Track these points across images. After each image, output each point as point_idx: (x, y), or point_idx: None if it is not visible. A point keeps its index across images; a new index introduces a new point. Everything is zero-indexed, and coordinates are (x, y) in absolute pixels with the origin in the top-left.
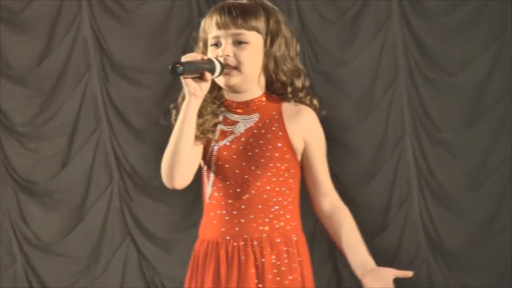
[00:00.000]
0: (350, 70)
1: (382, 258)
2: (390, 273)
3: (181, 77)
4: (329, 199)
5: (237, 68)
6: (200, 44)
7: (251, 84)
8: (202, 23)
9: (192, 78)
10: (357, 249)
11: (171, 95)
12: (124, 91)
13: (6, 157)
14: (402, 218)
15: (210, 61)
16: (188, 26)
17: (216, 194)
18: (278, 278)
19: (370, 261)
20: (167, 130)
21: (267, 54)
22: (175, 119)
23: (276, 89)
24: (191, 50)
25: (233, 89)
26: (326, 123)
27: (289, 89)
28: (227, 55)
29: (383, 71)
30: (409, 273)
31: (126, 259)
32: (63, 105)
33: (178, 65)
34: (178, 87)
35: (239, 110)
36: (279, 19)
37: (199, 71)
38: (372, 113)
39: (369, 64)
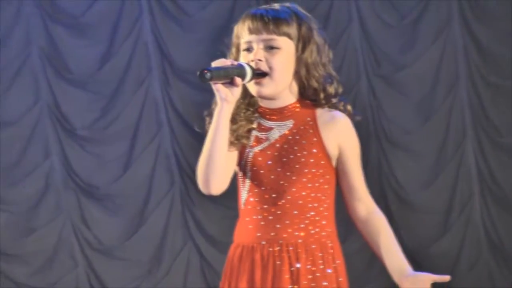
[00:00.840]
0: (411, 74)
1: (443, 261)
2: (428, 278)
3: (211, 83)
4: (364, 205)
5: (268, 73)
6: (233, 49)
7: (283, 90)
8: (235, 28)
9: (223, 83)
10: (394, 254)
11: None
12: (185, 95)
13: (68, 160)
14: (464, 222)
15: (240, 66)
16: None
17: (251, 199)
18: (312, 284)
19: (407, 266)
20: None
21: (299, 60)
22: (209, 126)
23: (309, 95)
24: (223, 55)
25: (266, 98)
26: (387, 126)
27: (322, 95)
28: (259, 60)
29: (443, 75)
30: (446, 278)
31: (188, 263)
32: (124, 109)
33: (206, 71)
34: None
35: (273, 117)
36: (311, 26)
37: (228, 76)
38: (433, 117)
39: (429, 68)
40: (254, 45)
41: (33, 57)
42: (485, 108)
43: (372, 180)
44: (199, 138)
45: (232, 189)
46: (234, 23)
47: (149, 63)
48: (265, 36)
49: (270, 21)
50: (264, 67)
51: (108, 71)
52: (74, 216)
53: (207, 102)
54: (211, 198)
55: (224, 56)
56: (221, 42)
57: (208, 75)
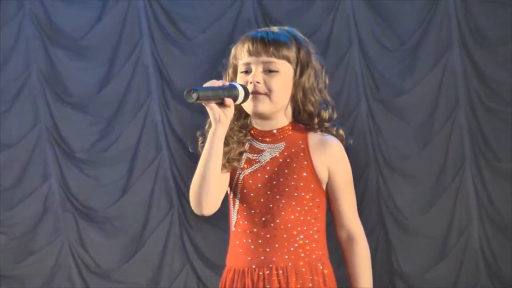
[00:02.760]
0: (410, 99)
1: (441, 287)
2: None
3: (202, 103)
4: (345, 231)
5: (267, 95)
6: (230, 70)
7: (279, 112)
8: (233, 50)
9: (215, 103)
10: (359, 281)
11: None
12: (184, 118)
13: (66, 183)
14: (462, 247)
15: (232, 86)
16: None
17: (241, 222)
18: None
19: None
20: None
21: (296, 84)
22: (202, 147)
23: (303, 119)
24: (220, 76)
25: (260, 116)
26: (385, 151)
27: (316, 120)
28: (257, 82)
29: (443, 100)
30: None
31: (186, 286)
32: (123, 132)
33: (192, 91)
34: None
35: (265, 139)
36: (310, 50)
37: (217, 97)
38: (432, 142)
39: (429, 93)
40: (253, 67)
41: (33, 79)
42: (484, 134)
43: (370, 204)
44: (198, 161)
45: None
46: (231, 45)
47: (149, 86)
48: (264, 58)
49: (270, 44)
50: (262, 89)
51: (108, 94)
52: (72, 239)
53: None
54: (209, 221)
55: (220, 77)
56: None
57: (194, 95)
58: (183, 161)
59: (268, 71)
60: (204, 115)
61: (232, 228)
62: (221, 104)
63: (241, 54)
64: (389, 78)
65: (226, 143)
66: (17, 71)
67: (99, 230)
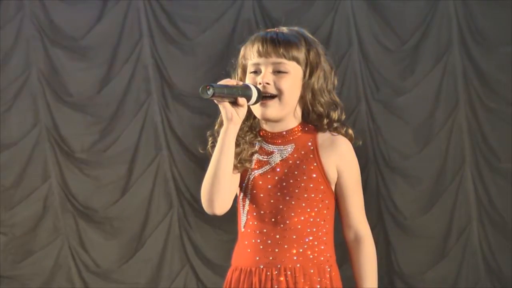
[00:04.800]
0: (410, 99)
1: (441, 287)
2: None
3: (215, 100)
4: (353, 231)
5: (276, 96)
6: (239, 70)
7: (288, 114)
8: (242, 50)
9: (228, 102)
10: (364, 280)
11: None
12: (184, 118)
13: (66, 183)
14: (462, 247)
15: (246, 86)
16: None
17: (250, 223)
18: None
19: None
20: None
21: (305, 86)
22: (212, 147)
23: (312, 120)
24: (228, 75)
25: (271, 120)
26: (385, 151)
27: (325, 121)
28: (267, 83)
29: (443, 100)
30: None
31: (185, 287)
32: (123, 132)
33: (208, 87)
34: None
35: (275, 140)
36: (319, 51)
37: (232, 95)
38: (432, 142)
39: (429, 93)
40: (263, 68)
41: (33, 79)
42: (484, 134)
43: (370, 205)
44: (198, 161)
45: (230, 213)
46: (240, 44)
47: (149, 87)
48: (274, 59)
49: (280, 45)
50: (271, 90)
51: (108, 94)
52: (72, 239)
53: (206, 125)
54: (209, 222)
55: (228, 76)
56: (221, 65)
57: (210, 91)
58: (182, 161)
59: (278, 72)
60: (204, 115)
61: (241, 229)
62: (234, 103)
63: (250, 54)
64: (389, 78)
65: (237, 144)
66: (17, 71)
67: (98, 230)
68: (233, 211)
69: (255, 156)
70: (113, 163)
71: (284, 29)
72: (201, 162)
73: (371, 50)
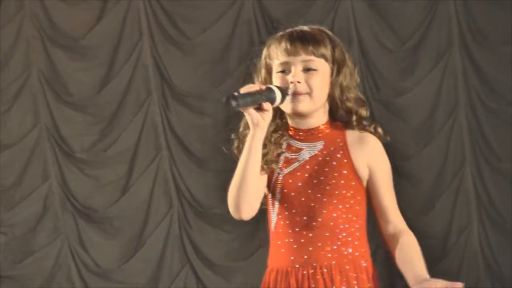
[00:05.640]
0: (410, 99)
1: None
2: (439, 283)
3: (242, 109)
4: (392, 225)
5: (308, 94)
6: (263, 71)
7: (317, 111)
8: (265, 50)
9: (254, 108)
10: (414, 265)
11: (231, 123)
12: (185, 118)
13: (66, 183)
14: (462, 247)
15: (269, 89)
16: (248, 54)
17: (282, 222)
18: None
19: (424, 275)
20: (227, 158)
21: (334, 83)
22: (237, 149)
23: (340, 117)
24: (250, 79)
25: (299, 116)
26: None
27: (354, 118)
28: (298, 81)
29: (443, 100)
30: (459, 284)
31: (185, 286)
32: (123, 132)
33: (232, 100)
34: (239, 115)
35: (303, 138)
36: (343, 49)
37: (256, 102)
38: (432, 142)
39: (429, 93)
40: (292, 67)
41: (33, 79)
42: (484, 134)
43: (370, 205)
44: (198, 162)
45: (229, 214)
46: (235, 47)
47: (149, 87)
48: (303, 57)
49: (309, 42)
50: (303, 88)
51: (108, 94)
52: (72, 239)
53: (206, 126)
54: (209, 222)
55: (218, 76)
56: (221, 66)
57: (234, 103)
58: (182, 161)
59: (308, 70)
60: (204, 115)
61: (272, 229)
62: (259, 108)
63: (277, 53)
64: (389, 78)
65: (263, 145)
66: (17, 71)
67: (98, 230)
68: (228, 211)
69: (283, 155)
70: (113, 163)
71: (306, 28)
72: (201, 163)
73: (371, 50)
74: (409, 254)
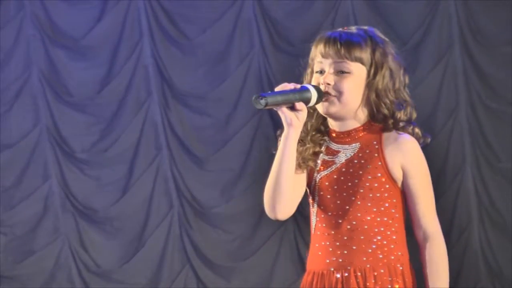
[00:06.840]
0: (411, 99)
1: None
2: None
3: (273, 108)
4: (422, 231)
5: (336, 97)
6: (308, 70)
7: (352, 113)
8: (312, 49)
9: (287, 107)
10: (433, 280)
11: (231, 123)
12: (185, 118)
13: (66, 183)
14: (462, 247)
15: (304, 89)
16: (248, 54)
17: (320, 225)
18: None
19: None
20: (227, 158)
21: (369, 85)
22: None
23: (378, 119)
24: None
25: (333, 117)
26: None
27: (390, 121)
28: (328, 84)
29: (443, 100)
30: None
31: (185, 286)
32: (123, 132)
33: (260, 97)
34: (239, 115)
35: (340, 140)
36: (387, 51)
37: (288, 101)
38: (432, 142)
39: (429, 93)
40: (326, 68)
41: (33, 79)
42: (484, 134)
43: None
44: (198, 162)
45: (229, 214)
46: (235, 47)
47: (149, 86)
48: (335, 60)
49: (342, 46)
50: (332, 91)
51: (108, 94)
52: (72, 239)
53: (206, 125)
54: (209, 222)
55: (217, 77)
56: (221, 66)
57: (262, 101)
58: (183, 161)
59: (340, 72)
60: (204, 115)
61: (312, 231)
62: (292, 107)
63: (316, 54)
64: None
65: (301, 143)
66: (17, 71)
67: (99, 230)
68: (231, 212)
69: (321, 157)
70: (113, 163)
71: (353, 28)
72: (202, 162)
73: None
74: (432, 267)
